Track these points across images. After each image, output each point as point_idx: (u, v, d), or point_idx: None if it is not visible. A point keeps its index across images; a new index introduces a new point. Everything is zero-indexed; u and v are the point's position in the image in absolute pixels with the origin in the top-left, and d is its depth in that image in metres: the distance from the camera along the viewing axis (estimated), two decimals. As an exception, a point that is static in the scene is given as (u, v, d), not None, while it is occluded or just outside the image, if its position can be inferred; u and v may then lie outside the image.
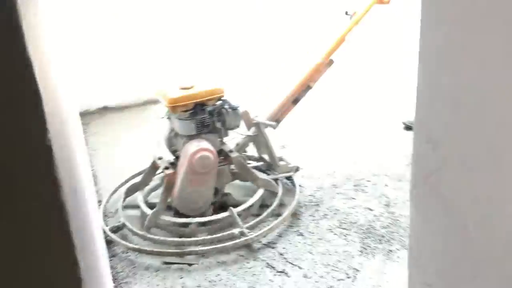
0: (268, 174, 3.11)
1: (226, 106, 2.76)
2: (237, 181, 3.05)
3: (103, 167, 3.64)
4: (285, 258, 2.56)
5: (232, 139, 3.04)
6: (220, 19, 5.02)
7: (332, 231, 2.74)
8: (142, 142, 3.98)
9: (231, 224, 2.72)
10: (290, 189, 3.09)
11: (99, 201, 3.16)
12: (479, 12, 0.97)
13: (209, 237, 2.60)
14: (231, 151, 2.88)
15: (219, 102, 2.76)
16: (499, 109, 0.99)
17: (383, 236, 2.66)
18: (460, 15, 1.03)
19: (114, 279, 2.49)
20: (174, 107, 2.67)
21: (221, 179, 2.83)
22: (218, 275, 2.47)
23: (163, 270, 2.52)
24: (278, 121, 3.09)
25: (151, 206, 2.83)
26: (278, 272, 2.47)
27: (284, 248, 2.63)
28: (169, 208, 2.81)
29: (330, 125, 4.08)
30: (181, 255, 2.55)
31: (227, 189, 2.96)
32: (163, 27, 4.80)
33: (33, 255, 0.93)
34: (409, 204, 2.77)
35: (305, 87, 3.05)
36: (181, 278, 2.46)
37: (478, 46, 1.00)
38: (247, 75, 4.92)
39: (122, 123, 4.44)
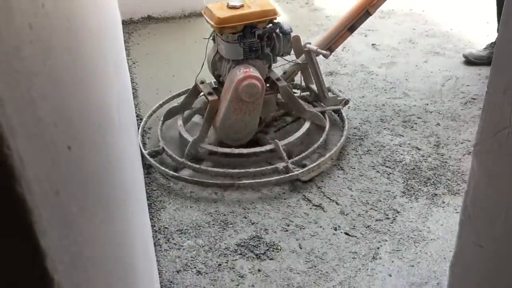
0: (315, 106, 2.92)
1: (278, 31, 2.55)
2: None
3: (143, 80, 3.56)
4: (322, 192, 2.47)
5: (279, 66, 2.86)
6: None
7: (374, 168, 2.61)
8: (186, 57, 3.85)
9: (275, 157, 2.59)
10: (337, 123, 2.93)
11: (138, 116, 3.11)
12: None
13: (251, 169, 2.49)
14: (278, 79, 2.68)
15: (269, 25, 2.53)
16: None
17: (429, 179, 2.51)
18: None
19: (149, 197, 2.48)
20: (221, 28, 2.44)
21: (267, 108, 2.67)
22: (253, 203, 2.42)
23: (197, 192, 2.48)
24: (331, 49, 2.84)
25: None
26: (314, 206, 2.39)
27: (322, 181, 2.53)
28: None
29: (384, 51, 3.81)
30: (221, 186, 2.48)
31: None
32: None
33: None
34: (461, 147, 2.60)
35: (364, 13, 2.77)
36: (214, 202, 2.43)
37: None
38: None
39: (166, 35, 4.29)
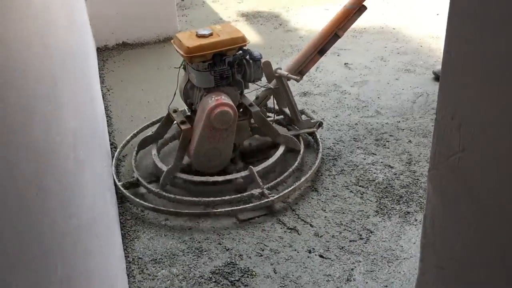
0: (289, 130, 2.94)
1: (248, 57, 2.56)
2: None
3: (118, 108, 3.56)
4: (297, 214, 2.47)
5: (252, 91, 2.88)
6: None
7: (348, 188, 2.63)
8: (160, 83, 3.86)
9: (250, 183, 2.59)
10: (312, 144, 2.95)
11: (112, 144, 3.10)
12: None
13: (227, 197, 2.48)
14: (251, 104, 2.69)
15: (239, 52, 2.55)
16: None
17: (401, 197, 2.54)
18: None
19: (122, 227, 2.46)
20: (191, 57, 2.44)
21: (241, 134, 2.67)
22: (227, 228, 2.41)
23: (172, 220, 2.47)
24: (302, 73, 2.87)
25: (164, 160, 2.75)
26: (288, 229, 2.39)
27: (296, 203, 2.54)
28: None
29: (356, 70, 3.86)
30: (198, 216, 2.45)
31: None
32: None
33: None
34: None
35: (333, 36, 2.80)
36: (189, 229, 2.42)
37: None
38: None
39: (140, 61, 4.30)
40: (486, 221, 1.05)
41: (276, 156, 2.68)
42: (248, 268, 2.19)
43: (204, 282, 2.13)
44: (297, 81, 2.78)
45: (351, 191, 2.60)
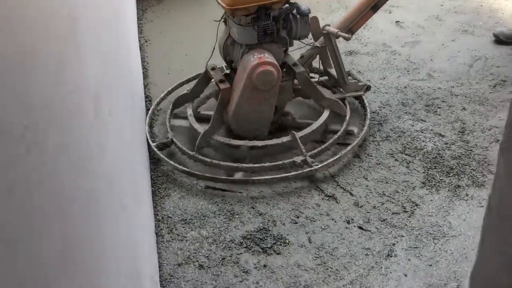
0: (334, 92, 2.72)
1: (294, 12, 2.34)
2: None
3: (155, 60, 3.43)
4: (336, 181, 2.32)
5: (295, 50, 2.66)
6: None
7: (393, 156, 2.44)
8: (200, 35, 3.70)
9: (291, 148, 2.40)
10: (356, 108, 2.73)
11: (147, 97, 2.99)
12: None
13: (267, 164, 2.30)
14: (295, 64, 2.48)
15: (286, 6, 2.32)
16: None
17: (452, 168, 2.33)
18: None
19: (153, 183, 2.37)
20: (233, 10, 2.22)
21: (283, 96, 2.47)
22: (261, 191, 2.29)
23: (205, 181, 2.36)
24: (352, 31, 2.63)
25: (202, 119, 2.58)
26: (326, 196, 2.24)
27: (336, 170, 2.37)
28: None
29: (408, 29, 3.59)
30: (235, 182, 2.29)
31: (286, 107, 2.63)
32: None
33: None
34: (488, 134, 2.41)
35: None
36: (222, 190, 2.30)
37: None
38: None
39: (181, 12, 4.13)
40: None
41: (320, 121, 2.48)
42: (281, 235, 2.06)
43: (235, 247, 2.02)
44: (347, 39, 2.54)
45: (396, 160, 2.42)
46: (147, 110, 2.87)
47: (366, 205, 2.18)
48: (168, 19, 4.02)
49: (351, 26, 2.61)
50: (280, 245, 2.02)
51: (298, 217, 2.14)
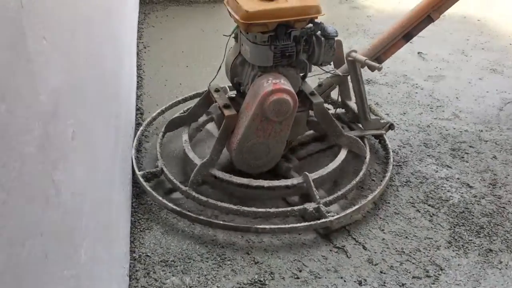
0: (351, 128, 2.40)
1: (319, 33, 1.99)
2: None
3: (152, 68, 3.10)
4: (347, 230, 1.98)
5: (311, 76, 2.31)
6: None
7: (414, 206, 2.11)
8: (203, 47, 3.39)
9: (302, 190, 2.06)
10: (376, 148, 2.41)
11: (138, 109, 2.66)
12: None
13: (272, 210, 1.95)
14: (312, 93, 2.14)
15: (309, 26, 1.97)
16: None
17: (482, 227, 2.01)
18: None
19: (134, 212, 2.03)
20: (249, 25, 1.85)
21: (296, 129, 2.11)
22: (259, 235, 1.94)
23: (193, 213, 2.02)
24: (379, 60, 2.31)
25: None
26: (335, 248, 1.90)
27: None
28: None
29: (431, 62, 3.29)
30: (235, 230, 1.93)
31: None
32: None
33: None
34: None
35: (425, 18, 2.23)
36: (213, 229, 1.96)
37: None
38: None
39: (185, 19, 3.83)
40: None
41: (337, 162, 2.14)
42: (279, 293, 1.72)
43: (222, 303, 1.68)
44: (379, 70, 2.17)
45: (417, 210, 2.09)
46: (137, 124, 2.54)
47: (382, 263, 1.84)
48: (171, 26, 3.71)
49: (379, 54, 2.30)
50: (277, 305, 1.68)
51: (300, 271, 1.80)
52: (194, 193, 1.99)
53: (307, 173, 2.02)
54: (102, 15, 1.58)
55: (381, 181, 2.16)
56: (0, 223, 0.59)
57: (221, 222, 1.91)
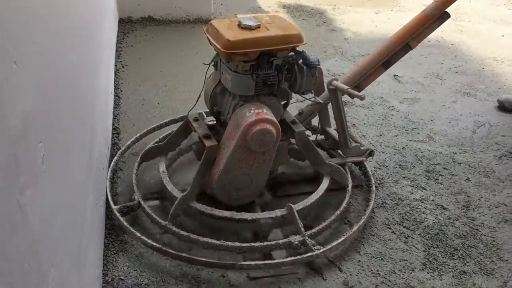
0: (332, 155, 2.40)
1: (300, 62, 1.98)
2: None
3: (130, 88, 3.09)
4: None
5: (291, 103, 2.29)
6: None
7: (390, 228, 2.12)
8: (182, 67, 3.39)
9: (284, 223, 2.02)
10: (357, 176, 2.39)
11: (115, 129, 2.64)
12: None
13: (257, 244, 1.90)
14: (294, 122, 2.12)
15: (291, 54, 1.94)
16: None
17: (456, 249, 2.03)
18: None
19: (108, 234, 1.99)
20: (230, 55, 1.81)
21: (278, 158, 2.07)
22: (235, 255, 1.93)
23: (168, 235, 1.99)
24: (359, 87, 2.33)
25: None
26: (311, 269, 1.90)
27: (323, 238, 2.04)
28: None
29: (407, 84, 3.35)
30: (219, 267, 1.86)
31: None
32: None
33: None
34: (495, 212, 2.11)
35: (404, 46, 2.28)
36: (189, 250, 1.94)
37: None
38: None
39: (165, 39, 3.83)
40: None
41: (320, 191, 2.11)
42: (254, 316, 1.70)
43: (196, 327, 1.65)
44: (361, 99, 2.17)
45: (393, 232, 2.10)
46: (113, 144, 2.52)
47: (357, 286, 1.84)
48: (150, 46, 3.71)
49: (359, 81, 2.33)
50: (252, 329, 1.66)
51: (276, 294, 1.79)
52: (173, 228, 1.92)
53: (290, 204, 1.98)
54: (77, 35, 1.57)
55: (365, 210, 2.14)
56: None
57: (203, 259, 1.83)
